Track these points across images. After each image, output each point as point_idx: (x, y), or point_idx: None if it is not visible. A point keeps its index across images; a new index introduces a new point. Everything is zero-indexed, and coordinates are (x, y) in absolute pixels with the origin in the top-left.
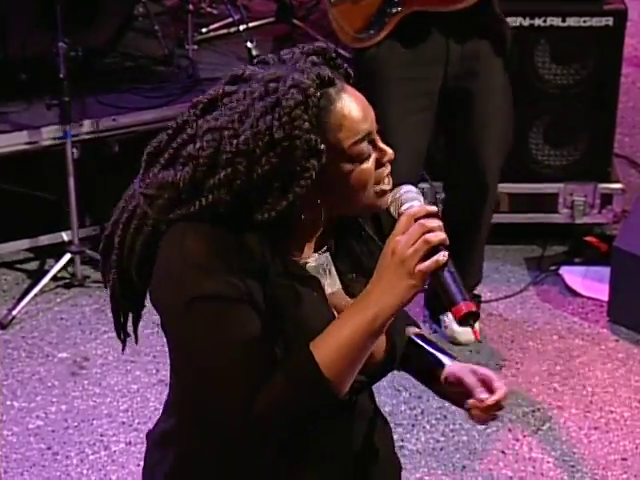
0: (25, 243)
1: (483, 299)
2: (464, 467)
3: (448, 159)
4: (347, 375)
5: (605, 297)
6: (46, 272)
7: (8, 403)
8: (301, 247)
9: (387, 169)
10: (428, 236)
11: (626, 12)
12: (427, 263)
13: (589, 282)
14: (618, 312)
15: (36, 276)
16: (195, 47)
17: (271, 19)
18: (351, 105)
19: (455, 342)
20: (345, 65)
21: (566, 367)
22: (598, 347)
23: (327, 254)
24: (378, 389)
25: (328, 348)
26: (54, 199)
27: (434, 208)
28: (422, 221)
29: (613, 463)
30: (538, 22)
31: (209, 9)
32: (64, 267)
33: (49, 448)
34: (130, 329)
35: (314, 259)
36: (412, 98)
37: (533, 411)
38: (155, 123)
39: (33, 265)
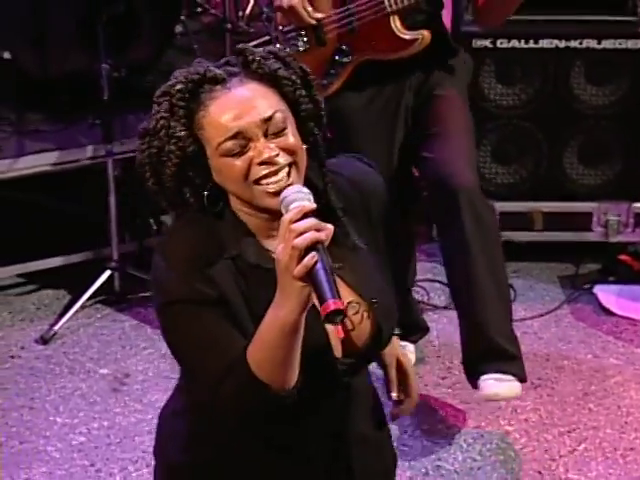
0: (66, 259)
1: (518, 317)
2: None
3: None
4: (279, 374)
5: (639, 316)
6: (86, 288)
7: (51, 419)
8: (270, 237)
9: (266, 170)
10: (295, 242)
11: None
12: (298, 268)
13: (623, 301)
14: None
15: (76, 292)
16: None
17: None
18: (224, 105)
19: (496, 399)
20: (266, 63)
21: (601, 387)
22: (632, 367)
23: None
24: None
25: (256, 351)
26: (95, 216)
27: (309, 206)
28: (292, 226)
29: None
30: (574, 44)
31: (246, 27)
32: (104, 283)
33: (92, 465)
34: None
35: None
36: (377, 142)
37: (569, 431)
38: None
39: (73, 280)
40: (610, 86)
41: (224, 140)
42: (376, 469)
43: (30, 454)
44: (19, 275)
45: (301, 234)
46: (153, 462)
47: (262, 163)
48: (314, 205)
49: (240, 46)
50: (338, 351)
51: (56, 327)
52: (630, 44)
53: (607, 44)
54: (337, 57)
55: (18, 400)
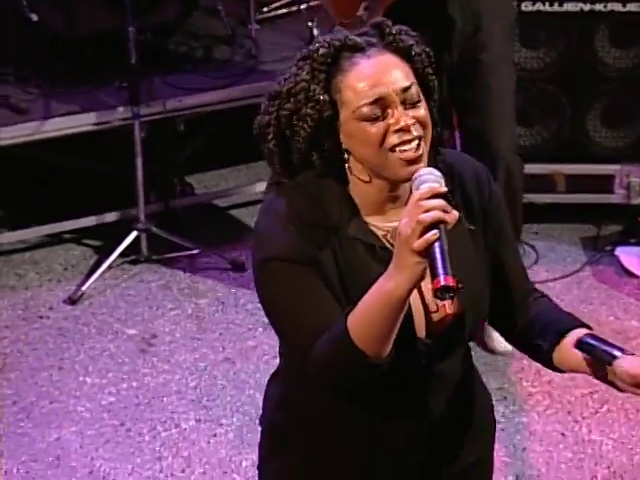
0: (92, 219)
1: (539, 279)
2: (525, 448)
3: (460, 134)
4: (377, 344)
5: None
6: (113, 248)
7: (81, 379)
8: (377, 213)
9: (401, 138)
10: (421, 217)
11: None
12: (419, 241)
13: None
14: None
15: (103, 252)
16: (257, 27)
17: None
18: (364, 71)
19: (494, 351)
20: (402, 38)
21: None
22: None
23: None
24: None
25: (358, 319)
26: (121, 177)
27: (441, 188)
28: (421, 202)
29: None
30: (599, 7)
31: None
32: (130, 244)
33: (122, 424)
34: None
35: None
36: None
37: (591, 393)
38: (218, 104)
39: (100, 241)
40: (634, 49)
41: (363, 104)
42: (461, 457)
43: (60, 414)
44: (46, 235)
45: (427, 211)
46: (182, 423)
47: (398, 130)
48: (445, 188)
49: (377, 19)
50: (421, 332)
51: (84, 287)
52: None
53: (632, 7)
54: None
55: (47, 360)
